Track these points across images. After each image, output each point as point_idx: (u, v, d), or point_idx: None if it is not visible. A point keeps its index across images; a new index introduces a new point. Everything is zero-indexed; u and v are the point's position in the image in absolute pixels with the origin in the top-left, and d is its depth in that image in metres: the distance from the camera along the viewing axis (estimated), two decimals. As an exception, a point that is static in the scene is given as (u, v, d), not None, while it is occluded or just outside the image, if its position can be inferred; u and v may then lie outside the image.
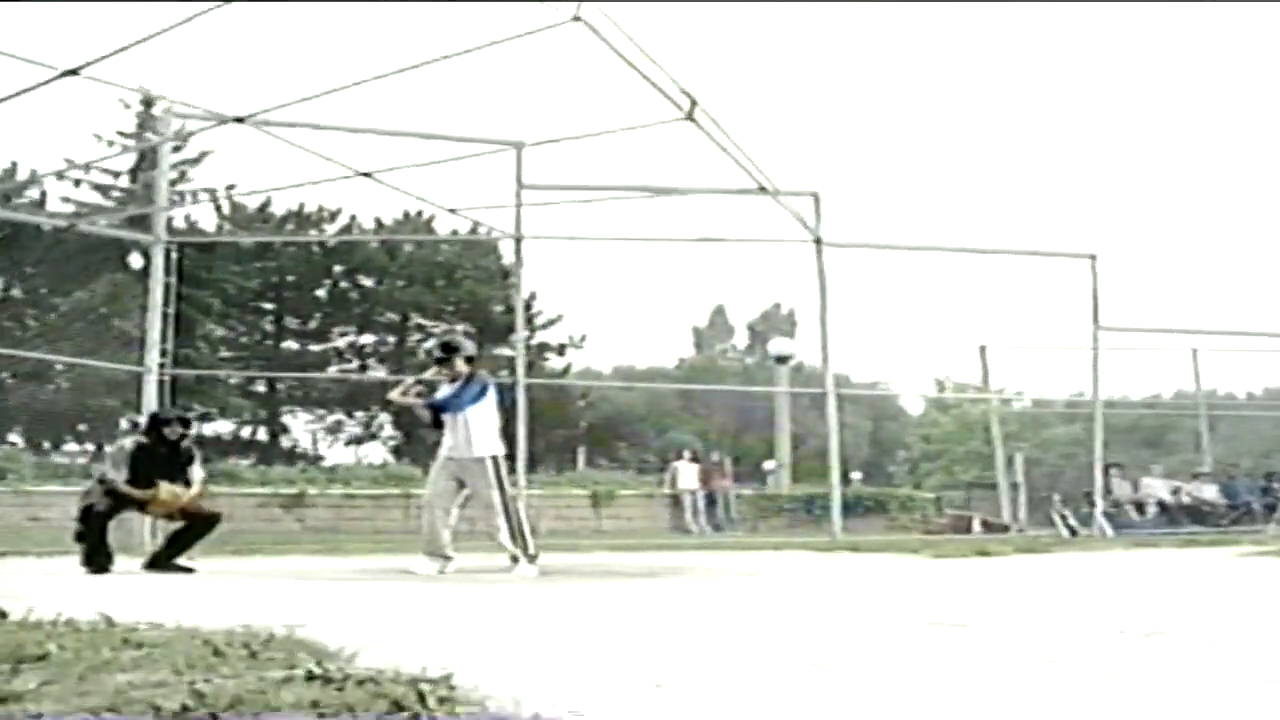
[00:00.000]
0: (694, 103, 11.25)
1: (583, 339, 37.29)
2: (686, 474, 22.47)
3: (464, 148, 14.73)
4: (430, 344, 35.09)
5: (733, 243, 17.20)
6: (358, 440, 37.48)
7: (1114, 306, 18.04)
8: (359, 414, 36.45)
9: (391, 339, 36.90)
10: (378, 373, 35.86)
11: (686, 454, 23.33)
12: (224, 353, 32.85)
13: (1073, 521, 17.31)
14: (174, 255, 13.77)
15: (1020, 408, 43.66)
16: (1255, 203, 58.22)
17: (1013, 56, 66.82)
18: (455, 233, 35.93)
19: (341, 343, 36.43)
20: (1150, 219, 59.65)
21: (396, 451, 37.22)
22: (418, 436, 36.31)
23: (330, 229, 34.38)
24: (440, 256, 35.19)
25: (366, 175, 13.00)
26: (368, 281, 35.71)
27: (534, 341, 33.65)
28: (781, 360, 28.83)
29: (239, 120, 11.26)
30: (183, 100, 10.69)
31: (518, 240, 15.72)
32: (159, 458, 9.75)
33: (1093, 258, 17.89)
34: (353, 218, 33.74)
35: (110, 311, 27.88)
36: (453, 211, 14.42)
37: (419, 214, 32.27)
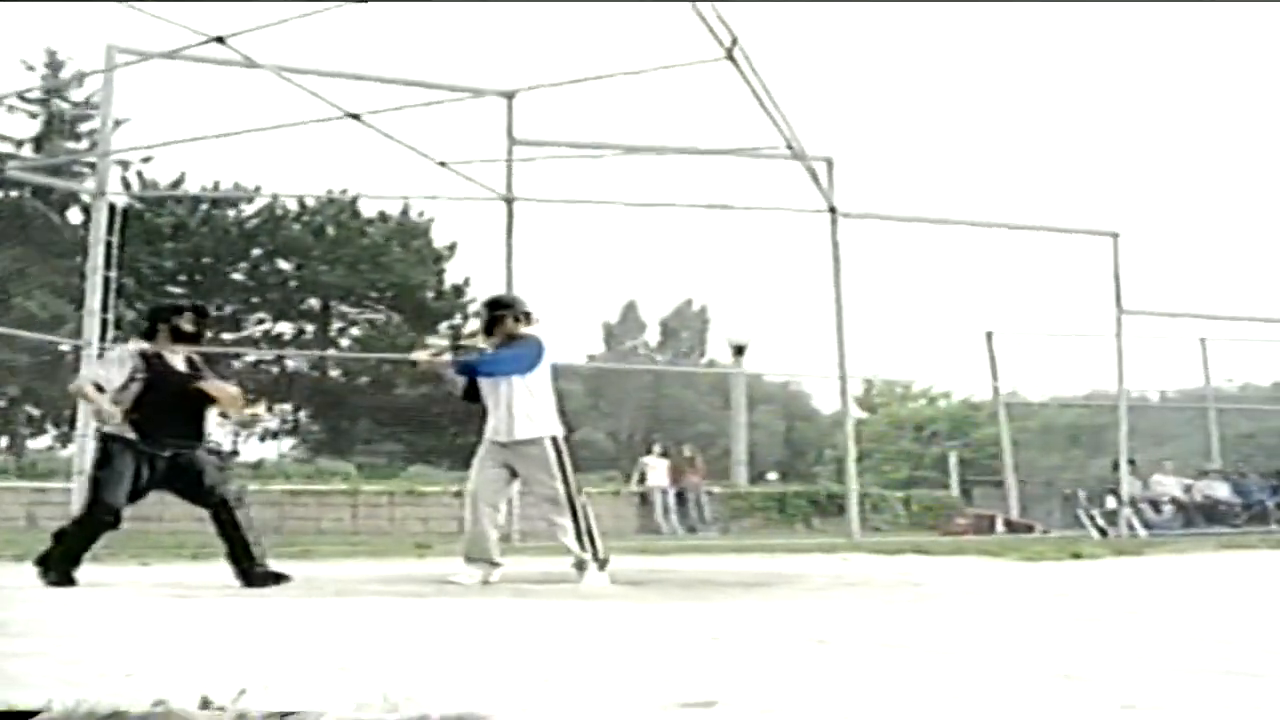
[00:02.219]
0: (735, 39, 9.69)
1: (519, 328, 35.24)
2: (656, 470, 20.79)
3: (448, 95, 13.14)
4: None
5: (739, 210, 15.73)
6: (274, 435, 35.17)
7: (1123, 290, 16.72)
8: (277, 407, 34.10)
9: (311, 327, 34.61)
10: (297, 363, 33.84)
11: (656, 448, 21.58)
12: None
13: (1101, 521, 16.12)
14: (118, 211, 11.84)
15: (947, 406, 42.89)
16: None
17: (1036, 23, 64.92)
18: (383, 216, 34.04)
19: (258, 331, 33.95)
20: (1174, 198, 57.11)
21: (316, 448, 35.07)
22: (342, 430, 34.29)
23: (249, 209, 32.04)
24: (366, 239, 32.91)
25: (355, 117, 11.19)
26: (287, 265, 33.33)
27: (467, 329, 31.54)
28: (739, 351, 27.32)
29: (219, 40, 9.37)
30: (158, 13, 8.78)
31: (509, 201, 13.98)
32: (174, 372, 7.02)
33: (1115, 236, 16.75)
34: (275, 196, 31.36)
35: (10, 290, 25.43)
36: (443, 165, 12.64)
37: (344, 192, 29.99)
